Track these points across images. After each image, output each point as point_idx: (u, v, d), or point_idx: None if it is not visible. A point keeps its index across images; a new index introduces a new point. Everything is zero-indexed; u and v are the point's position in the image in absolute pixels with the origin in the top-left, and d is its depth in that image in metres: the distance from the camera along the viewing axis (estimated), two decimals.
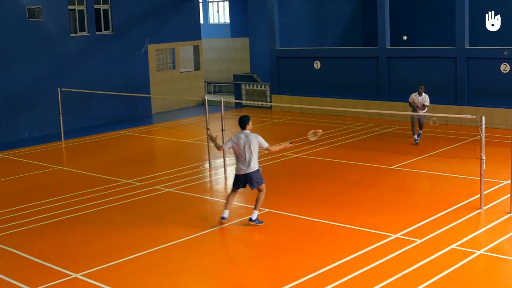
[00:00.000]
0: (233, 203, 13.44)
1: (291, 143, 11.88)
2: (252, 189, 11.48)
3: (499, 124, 19.77)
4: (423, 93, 17.63)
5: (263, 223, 11.50)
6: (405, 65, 22.61)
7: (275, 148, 11.74)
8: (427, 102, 17.63)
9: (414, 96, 17.72)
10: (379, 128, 20.83)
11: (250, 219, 11.47)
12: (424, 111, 17.48)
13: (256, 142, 11.22)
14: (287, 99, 25.51)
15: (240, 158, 11.28)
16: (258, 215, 11.53)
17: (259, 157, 11.63)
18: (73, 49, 23.84)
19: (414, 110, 17.55)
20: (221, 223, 11.52)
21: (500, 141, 17.44)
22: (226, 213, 11.51)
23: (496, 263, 9.65)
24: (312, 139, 11.98)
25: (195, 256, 10.31)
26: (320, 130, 12.07)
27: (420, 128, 17.96)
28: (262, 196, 11.44)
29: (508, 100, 20.05)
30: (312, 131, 11.96)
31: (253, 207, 11.56)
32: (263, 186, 11.43)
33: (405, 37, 22.17)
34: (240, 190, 11.67)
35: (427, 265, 9.42)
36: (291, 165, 16.30)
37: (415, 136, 17.85)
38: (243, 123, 11.36)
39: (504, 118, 19.65)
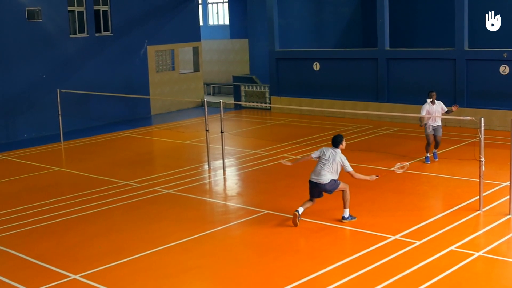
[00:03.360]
0: (233, 204, 13.46)
1: (377, 176, 11.77)
2: (330, 194, 11.59)
3: (498, 125, 19.78)
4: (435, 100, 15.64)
5: (355, 218, 11.61)
6: (404, 66, 22.61)
7: (359, 176, 11.59)
8: (445, 108, 15.69)
9: (428, 107, 15.49)
10: (378, 130, 20.84)
11: (343, 218, 11.57)
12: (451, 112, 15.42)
13: (339, 159, 11.33)
14: (286, 100, 25.52)
15: (316, 167, 11.50)
16: (349, 212, 11.65)
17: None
18: (72, 50, 23.84)
19: (431, 125, 15.52)
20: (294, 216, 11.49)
21: (499, 142, 17.45)
22: (300, 209, 11.58)
23: (495, 264, 9.66)
24: (398, 172, 12.18)
25: (195, 257, 10.30)
26: (407, 163, 12.17)
27: (436, 147, 16.00)
28: (346, 195, 11.52)
29: (507, 102, 20.06)
30: (399, 164, 12.12)
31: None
32: (341, 187, 11.47)
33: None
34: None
35: (426, 266, 9.42)
36: (290, 167, 16.23)
37: (428, 154, 15.76)
38: (336, 142, 11.46)
39: (503, 120, 19.66)
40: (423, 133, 17.37)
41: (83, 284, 9.43)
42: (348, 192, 11.55)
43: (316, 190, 11.47)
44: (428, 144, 15.75)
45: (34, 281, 9.61)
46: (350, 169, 11.37)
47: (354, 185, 14.20)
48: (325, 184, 11.32)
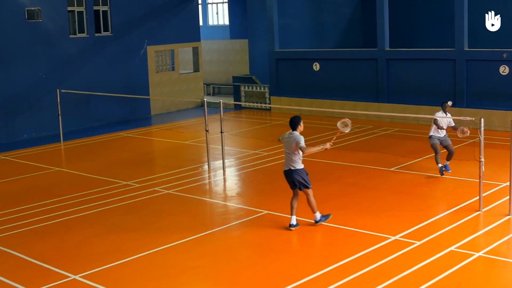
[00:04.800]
0: (233, 204, 13.45)
1: (330, 144, 11.24)
2: (292, 189, 11.32)
3: (498, 126, 19.78)
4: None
5: (330, 216, 11.51)
6: (404, 67, 22.61)
7: (310, 150, 11.25)
8: (453, 123, 14.58)
9: (441, 114, 14.43)
10: (378, 130, 20.84)
11: (316, 221, 11.39)
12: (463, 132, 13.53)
13: (294, 138, 11.04)
14: (286, 101, 25.52)
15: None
16: (320, 213, 11.47)
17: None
18: (72, 50, 23.84)
19: (436, 137, 14.48)
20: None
21: (499, 143, 17.46)
22: (293, 220, 11.38)
23: (495, 265, 9.66)
24: (346, 131, 11.69)
25: (194, 258, 10.31)
26: (348, 119, 11.70)
27: (449, 158, 14.74)
28: (310, 199, 11.27)
29: (507, 102, 20.06)
30: (339, 122, 11.69)
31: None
32: (308, 190, 11.20)
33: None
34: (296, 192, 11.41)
35: (426, 267, 9.42)
36: None
37: (439, 165, 14.37)
38: (293, 123, 11.17)
39: (503, 120, 19.66)
40: (422, 133, 17.31)
41: (83, 284, 9.42)
42: (311, 196, 11.25)
43: (289, 179, 11.29)
44: (436, 153, 14.41)
45: (34, 281, 9.61)
46: (302, 144, 10.97)
47: (354, 186, 14.23)
48: (291, 170, 11.08)
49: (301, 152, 11.06)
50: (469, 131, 13.31)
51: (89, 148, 20.29)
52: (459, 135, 13.66)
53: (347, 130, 11.70)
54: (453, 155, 14.70)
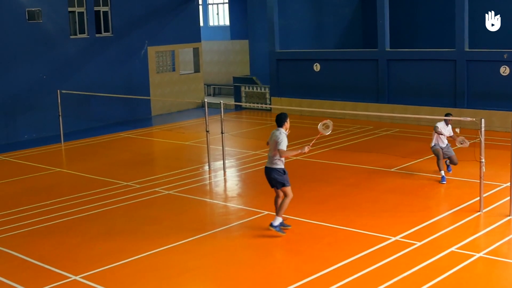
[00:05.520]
0: (233, 205, 13.44)
1: (308, 146, 10.91)
2: (277, 188, 11.04)
3: (499, 126, 19.77)
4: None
5: (285, 233, 10.99)
6: (404, 67, 22.61)
7: (288, 153, 10.87)
8: (452, 132, 14.40)
9: (443, 124, 14.29)
10: (378, 131, 20.84)
11: (271, 225, 11.00)
12: (461, 142, 13.83)
13: (276, 135, 10.82)
14: (286, 101, 25.52)
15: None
16: (282, 222, 11.02)
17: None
18: (73, 51, 23.85)
19: (439, 146, 14.25)
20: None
21: (499, 143, 17.45)
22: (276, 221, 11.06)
23: (496, 266, 9.65)
24: (326, 133, 11.50)
25: (195, 258, 10.30)
26: (329, 120, 11.53)
27: (453, 164, 14.67)
28: (285, 202, 10.94)
29: (507, 103, 20.06)
30: (320, 124, 11.47)
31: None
32: (287, 189, 10.93)
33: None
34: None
35: (426, 267, 9.42)
36: (289, 168, 16.17)
37: (442, 172, 14.11)
38: (279, 120, 10.99)
39: (503, 121, 19.65)
40: (423, 134, 17.29)
41: (83, 285, 9.42)
42: (288, 199, 10.92)
43: (267, 177, 11.06)
44: (439, 159, 14.14)
45: (34, 282, 9.61)
46: (280, 146, 10.65)
47: (354, 186, 14.23)
48: (270, 168, 10.88)
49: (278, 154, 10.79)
50: (468, 144, 13.29)
51: (89, 148, 20.29)
52: (458, 144, 13.83)
53: (327, 132, 11.45)
54: (456, 165, 14.49)
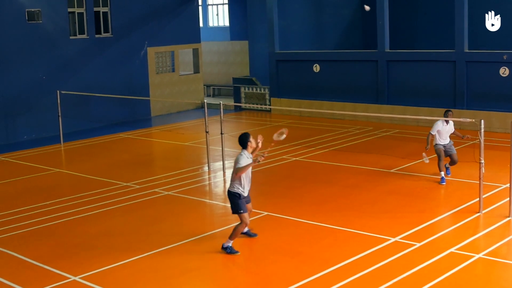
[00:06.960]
0: None
1: (263, 156, 10.33)
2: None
3: (498, 127, 19.78)
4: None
5: (237, 253, 10.40)
6: (404, 68, 22.62)
7: (240, 173, 10.20)
8: (453, 129, 14.19)
9: (441, 127, 13.99)
10: (378, 132, 20.84)
11: (223, 246, 10.51)
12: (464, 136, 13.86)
13: (237, 158, 10.31)
14: (286, 102, 25.53)
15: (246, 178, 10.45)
16: (232, 244, 10.49)
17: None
18: (72, 51, 23.86)
19: (441, 144, 14.06)
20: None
21: (499, 144, 17.46)
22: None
23: (495, 266, 9.66)
24: (281, 138, 10.83)
25: (194, 259, 10.30)
26: (284, 128, 10.96)
27: (451, 164, 14.47)
28: (240, 227, 10.40)
29: (507, 104, 20.07)
30: (275, 134, 10.94)
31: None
32: (241, 217, 10.34)
33: (367, 7, 19.92)
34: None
35: (426, 268, 9.42)
36: (289, 169, 16.29)
37: (442, 173, 14.00)
38: (242, 142, 10.46)
39: (503, 122, 19.66)
40: (422, 135, 17.25)
41: (83, 285, 9.42)
42: (242, 226, 10.38)
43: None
44: (440, 160, 13.96)
45: (34, 282, 9.61)
46: (237, 167, 10.14)
47: (354, 187, 14.23)
48: (229, 191, 10.39)
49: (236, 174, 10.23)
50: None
51: (89, 149, 20.29)
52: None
53: (282, 137, 10.87)
54: (456, 164, 14.34)
